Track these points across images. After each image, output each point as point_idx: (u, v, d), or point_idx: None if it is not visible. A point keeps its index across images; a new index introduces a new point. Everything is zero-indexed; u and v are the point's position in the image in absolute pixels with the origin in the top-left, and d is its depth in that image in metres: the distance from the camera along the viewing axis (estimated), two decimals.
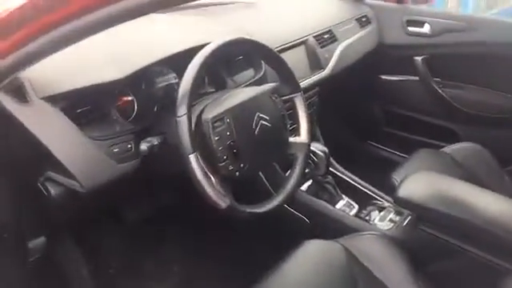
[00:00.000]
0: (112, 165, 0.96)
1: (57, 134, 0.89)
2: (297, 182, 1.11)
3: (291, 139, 1.15)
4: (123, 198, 1.15)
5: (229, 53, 1.03)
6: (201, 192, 0.91)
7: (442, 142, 1.91)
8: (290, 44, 1.47)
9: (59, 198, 0.97)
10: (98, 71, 0.99)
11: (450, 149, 1.69)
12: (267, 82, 1.29)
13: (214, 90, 1.28)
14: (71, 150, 0.90)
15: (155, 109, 1.14)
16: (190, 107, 0.90)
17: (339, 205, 1.51)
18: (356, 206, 1.51)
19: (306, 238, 1.18)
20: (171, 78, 1.20)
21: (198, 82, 0.92)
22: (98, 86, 0.96)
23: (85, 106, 0.98)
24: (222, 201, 0.94)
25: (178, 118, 0.89)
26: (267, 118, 1.04)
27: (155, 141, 1.00)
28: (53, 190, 0.96)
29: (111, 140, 0.98)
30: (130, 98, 1.09)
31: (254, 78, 1.34)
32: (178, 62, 1.06)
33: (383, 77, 2.10)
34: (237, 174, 0.98)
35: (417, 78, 1.98)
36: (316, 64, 1.55)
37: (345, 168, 1.67)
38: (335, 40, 1.68)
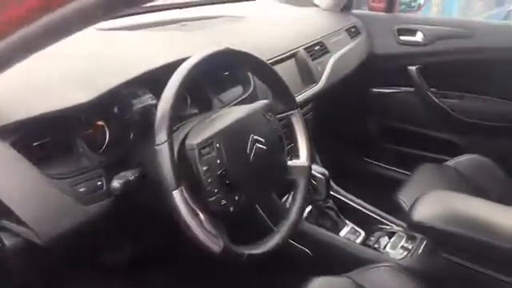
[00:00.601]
0: (77, 208, 0.79)
1: (6, 175, 0.72)
2: (300, 212, 0.96)
3: (290, 163, 1.00)
4: (96, 244, 0.97)
5: (214, 67, 0.89)
6: (189, 235, 0.75)
7: (443, 155, 1.82)
8: (280, 57, 1.34)
9: (16, 250, 0.79)
10: (59, 95, 0.83)
11: (453, 162, 1.59)
12: (258, 100, 1.15)
13: (197, 111, 1.13)
14: (23, 193, 0.73)
15: (130, 136, 0.98)
16: (171, 132, 0.75)
17: (343, 232, 1.36)
18: (362, 233, 1.36)
19: (309, 273, 1.04)
20: (148, 99, 1.04)
21: (178, 101, 0.77)
22: (59, 113, 0.79)
23: (43, 138, 0.80)
24: (215, 244, 0.78)
25: (157, 147, 0.73)
26: (262, 140, 0.89)
27: (131, 175, 0.83)
28: (7, 241, 0.78)
29: (76, 177, 0.81)
30: (99, 126, 0.92)
31: (243, 95, 1.19)
32: (155, 80, 0.91)
33: (376, 89, 2.00)
34: (231, 209, 0.82)
35: (412, 88, 1.89)
36: (308, 77, 1.42)
37: (342, 188, 1.52)
38: (327, 52, 1.55)
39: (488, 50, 1.72)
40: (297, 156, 1.02)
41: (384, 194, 1.57)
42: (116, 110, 0.97)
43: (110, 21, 1.19)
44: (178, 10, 1.60)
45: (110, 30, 1.16)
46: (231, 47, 0.90)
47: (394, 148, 2.00)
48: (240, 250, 0.82)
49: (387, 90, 1.97)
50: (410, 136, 1.94)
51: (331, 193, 1.41)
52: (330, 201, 1.38)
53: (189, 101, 1.14)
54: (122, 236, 1.05)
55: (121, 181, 0.81)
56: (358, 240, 1.33)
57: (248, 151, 0.86)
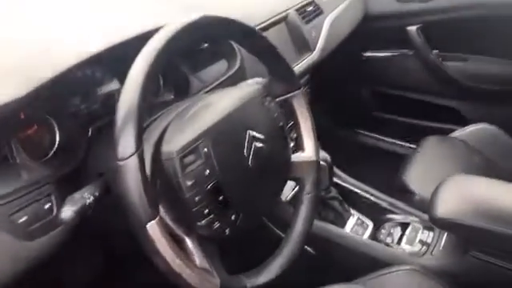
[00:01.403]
0: (16, 246, 0.57)
1: None
2: (310, 221, 0.77)
3: (294, 157, 0.80)
4: (54, 278, 0.75)
5: (191, 41, 0.65)
6: (172, 279, 0.55)
7: (446, 125, 1.65)
8: (268, 22, 1.10)
9: None
10: None
11: (460, 133, 1.44)
12: (246, 78, 0.93)
13: (172, 96, 0.90)
14: None
15: (88, 134, 0.75)
16: (140, 139, 0.52)
17: (349, 224, 1.18)
18: (370, 224, 1.20)
19: (313, 275, 0.92)
20: (111, 84, 0.81)
21: (148, 91, 0.54)
22: None
23: None
24: (210, 283, 0.58)
25: (120, 163, 0.51)
26: (262, 136, 0.68)
27: (88, 196, 0.60)
28: None
29: (13, 202, 0.59)
30: (43, 124, 0.69)
31: (228, 72, 0.96)
32: (118, 60, 0.67)
33: (370, 53, 1.79)
34: (227, 231, 0.62)
35: (411, 51, 1.68)
36: (302, 45, 1.19)
37: (339, 168, 1.33)
38: (320, 13, 1.32)
39: (497, 5, 1.52)
40: (302, 148, 0.81)
41: (384, 170, 1.40)
42: (68, 101, 0.74)
43: None
44: None
45: None
46: (214, 15, 0.66)
47: (391, 118, 1.82)
48: (240, 284, 0.63)
49: (383, 53, 1.76)
50: (408, 104, 1.76)
51: (333, 179, 1.23)
52: (333, 189, 1.20)
53: (161, 82, 0.92)
54: (85, 262, 0.83)
55: (74, 208, 0.58)
56: (367, 233, 1.16)
57: (245, 153, 0.65)
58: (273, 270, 0.68)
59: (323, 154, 1.08)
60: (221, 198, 0.60)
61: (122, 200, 0.51)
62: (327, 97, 1.65)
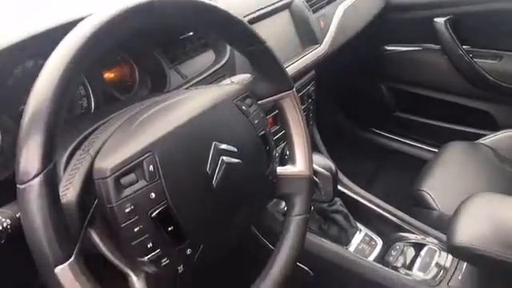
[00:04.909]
0: None
1: None
2: (297, 249, 0.63)
3: (279, 170, 0.66)
4: None
5: (141, 26, 0.51)
6: None
7: (474, 129, 1.51)
8: (269, 9, 0.96)
9: None
10: None
11: (489, 139, 1.30)
12: (235, 72, 0.80)
13: (147, 92, 0.78)
14: None
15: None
16: (50, 152, 0.40)
17: (355, 241, 1.04)
18: (379, 242, 1.05)
19: None
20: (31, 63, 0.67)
21: (68, 87, 0.41)
22: None
23: None
24: None
25: (20, 186, 0.39)
26: (233, 149, 0.55)
27: (5, 218, 0.48)
28: None
29: None
30: None
31: (214, 66, 0.83)
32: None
33: (391, 47, 1.63)
34: (180, 269, 0.49)
35: (438, 46, 1.52)
36: (309, 37, 1.05)
37: (349, 175, 1.19)
38: (331, 0, 1.17)
39: None
40: (292, 161, 0.68)
41: (401, 179, 1.25)
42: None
43: None
44: None
45: None
46: None
47: (413, 119, 1.65)
48: None
49: (406, 47, 1.61)
50: (433, 105, 1.60)
51: (338, 187, 1.09)
52: (338, 201, 1.05)
53: (137, 74, 0.79)
54: None
55: None
56: (375, 253, 1.02)
57: (209, 171, 0.51)
58: None
59: (327, 162, 0.94)
60: (170, 228, 0.48)
61: (26, 234, 0.40)
62: (338, 92, 1.51)
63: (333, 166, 0.94)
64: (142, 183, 0.46)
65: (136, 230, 0.45)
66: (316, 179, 0.92)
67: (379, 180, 1.59)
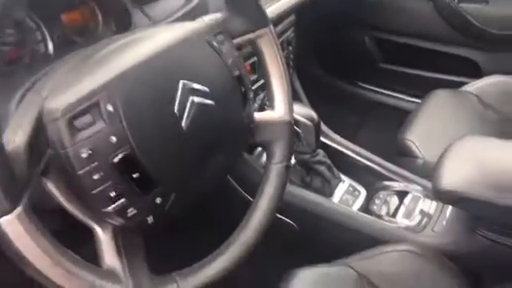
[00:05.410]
0: None
1: None
2: (276, 199, 0.60)
3: (258, 116, 0.62)
4: None
5: None
6: None
7: (459, 77, 1.46)
8: None
9: None
10: None
11: (473, 87, 1.28)
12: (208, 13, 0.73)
13: (111, 33, 0.72)
14: None
15: None
16: None
17: (339, 192, 1.02)
18: (363, 192, 1.03)
19: (296, 254, 0.85)
20: None
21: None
22: None
23: None
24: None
25: None
26: (206, 89, 0.50)
27: None
28: None
29: None
30: None
31: (184, 7, 0.76)
32: None
33: None
34: (149, 220, 0.45)
35: None
36: None
37: (333, 128, 1.15)
38: None
39: None
40: (271, 105, 0.63)
41: (385, 129, 1.22)
42: None
43: None
44: None
45: None
46: None
47: (396, 70, 1.60)
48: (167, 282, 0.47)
49: None
50: (417, 54, 1.54)
51: (321, 139, 1.05)
52: (321, 152, 1.02)
53: (99, 16, 0.73)
54: None
55: None
56: (358, 202, 1.00)
57: (177, 112, 0.47)
58: (218, 265, 0.51)
59: (309, 112, 0.91)
60: (136, 175, 0.43)
61: None
62: (318, 42, 1.44)
63: (315, 115, 0.90)
64: (99, 125, 0.41)
65: (96, 177, 0.41)
66: (297, 129, 0.89)
67: (363, 132, 1.56)
